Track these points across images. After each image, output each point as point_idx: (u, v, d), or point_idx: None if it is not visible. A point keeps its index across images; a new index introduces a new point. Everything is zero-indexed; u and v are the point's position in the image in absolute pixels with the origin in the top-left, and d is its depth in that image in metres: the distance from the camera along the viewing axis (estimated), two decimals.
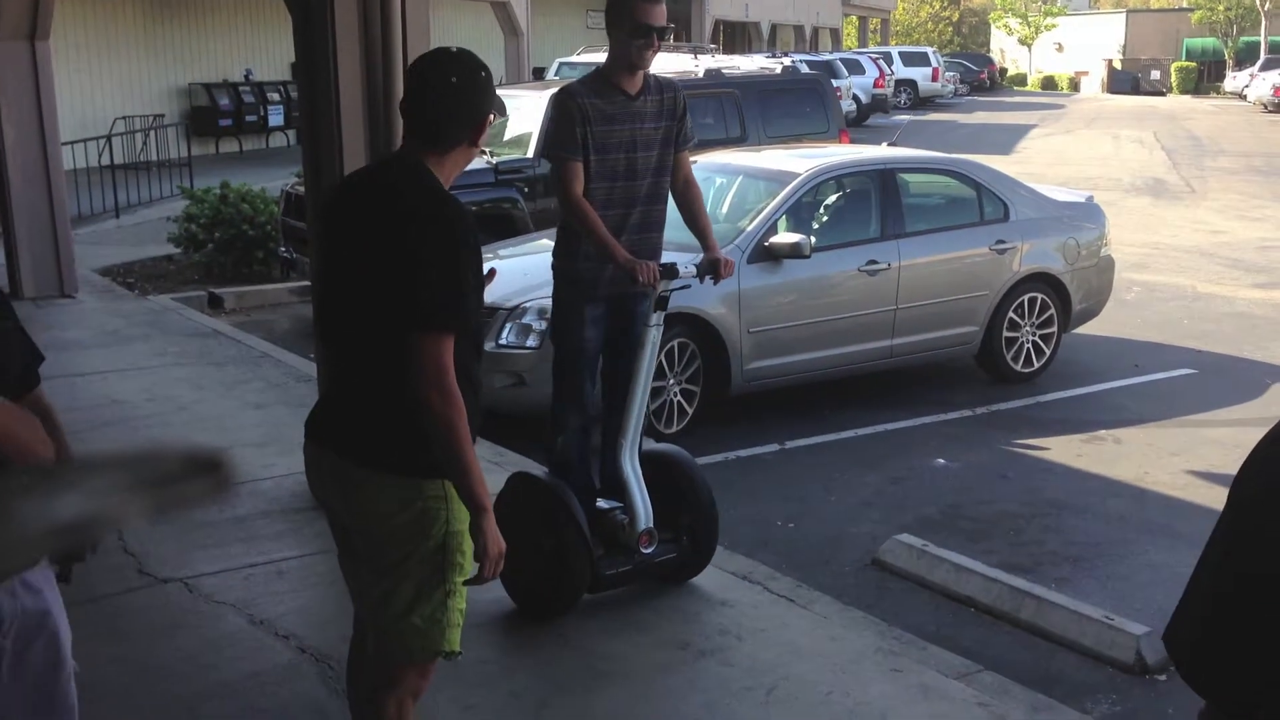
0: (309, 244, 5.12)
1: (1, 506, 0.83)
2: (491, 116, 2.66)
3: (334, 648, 3.81)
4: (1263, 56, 47.50)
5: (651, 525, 4.04)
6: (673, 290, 3.96)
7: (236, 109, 20.77)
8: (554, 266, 4.22)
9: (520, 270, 7.14)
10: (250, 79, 21.34)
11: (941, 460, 6.27)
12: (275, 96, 21.32)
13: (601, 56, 16.45)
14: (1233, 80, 49.25)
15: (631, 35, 3.93)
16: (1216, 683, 1.15)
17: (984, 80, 51.06)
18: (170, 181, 13.77)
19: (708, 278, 4.06)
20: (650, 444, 4.26)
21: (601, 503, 4.16)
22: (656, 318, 3.97)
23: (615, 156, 4.02)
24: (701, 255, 4.09)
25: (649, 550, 4.05)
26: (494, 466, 5.50)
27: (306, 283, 8.82)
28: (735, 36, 41.08)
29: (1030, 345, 7.65)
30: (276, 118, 21.33)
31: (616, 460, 4.04)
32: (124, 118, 17.74)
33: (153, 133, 16.05)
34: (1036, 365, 7.69)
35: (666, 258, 4.07)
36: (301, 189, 8.29)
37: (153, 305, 9.08)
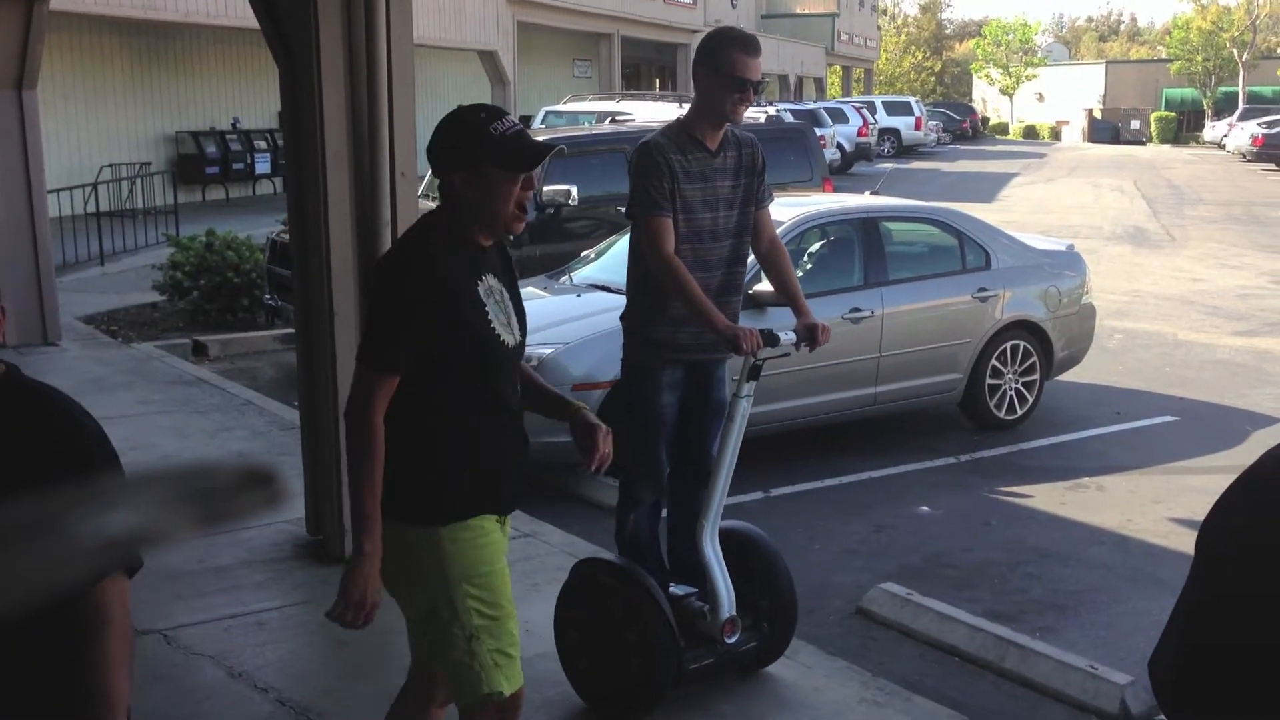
0: (294, 291, 5.12)
1: (52, 520, 0.83)
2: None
3: (314, 700, 3.78)
4: (1241, 106, 48.17)
5: (735, 613, 3.76)
6: (769, 359, 3.69)
7: (223, 157, 20.83)
8: (629, 329, 3.86)
9: None
10: (237, 127, 21.43)
11: (925, 508, 6.27)
12: (262, 144, 21.40)
13: (588, 105, 16.52)
14: (1211, 130, 49.88)
15: (729, 88, 3.70)
16: None
17: (966, 129, 51.63)
18: (156, 229, 13.78)
19: (804, 346, 3.79)
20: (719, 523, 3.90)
21: (674, 588, 3.86)
22: (749, 388, 3.69)
23: (700, 216, 3.79)
24: (796, 321, 3.80)
25: (732, 640, 3.75)
26: None
27: (291, 330, 8.82)
28: None
29: (1013, 392, 7.68)
30: (263, 165, 21.40)
31: (696, 541, 3.74)
32: (110, 165, 17.78)
33: (139, 180, 16.08)
34: (1019, 412, 7.72)
35: None
36: (287, 237, 8.31)
37: (136, 353, 9.05)
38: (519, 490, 2.76)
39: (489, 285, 2.62)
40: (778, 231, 7.02)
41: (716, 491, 3.71)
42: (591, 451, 2.64)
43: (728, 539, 3.83)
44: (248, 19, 5.11)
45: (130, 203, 15.51)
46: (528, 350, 6.11)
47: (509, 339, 2.63)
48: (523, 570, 4.83)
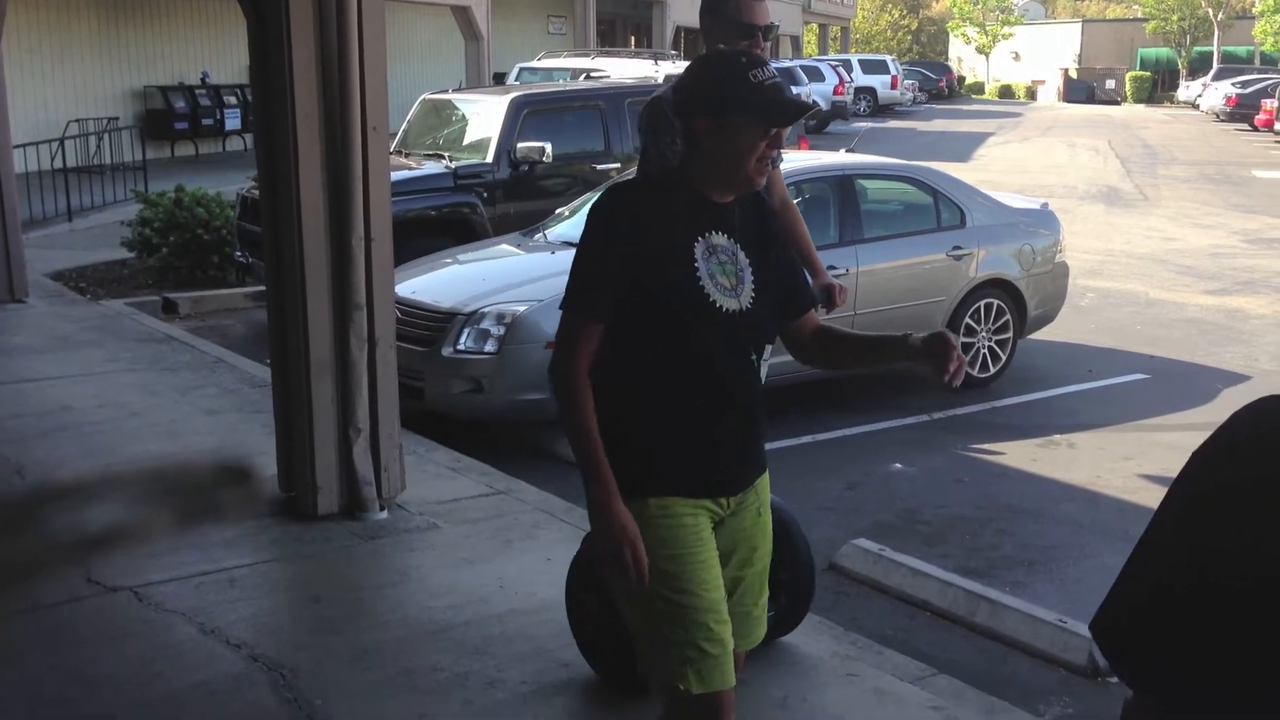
0: (264, 247, 5.07)
1: (33, 517, 0.82)
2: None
3: (287, 656, 3.78)
4: (1215, 66, 48.27)
5: None
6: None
7: (193, 112, 20.56)
8: None
9: (479, 275, 7.14)
10: (207, 82, 21.14)
11: (898, 465, 6.30)
12: (232, 100, 21.13)
13: (563, 62, 16.36)
14: (1186, 90, 49.97)
15: (736, 35, 3.57)
16: (1156, 677, 1.16)
17: (942, 88, 51.50)
18: (124, 185, 13.60)
19: (820, 306, 3.75)
20: None
21: None
22: (768, 351, 3.74)
23: None
24: (812, 281, 3.65)
25: None
26: (452, 474, 5.48)
27: (262, 287, 8.75)
28: (696, 43, 41.19)
29: (986, 350, 7.71)
30: (233, 121, 21.14)
31: None
32: (77, 120, 17.51)
33: (107, 136, 15.85)
34: (993, 370, 7.75)
35: None
36: (258, 192, 8.23)
37: (105, 310, 8.96)
38: (740, 474, 2.50)
39: (712, 243, 2.40)
40: None
41: None
42: (944, 364, 2.35)
43: None
44: None
45: (98, 158, 15.29)
46: (501, 308, 6.21)
47: (727, 303, 2.38)
48: (496, 527, 4.84)
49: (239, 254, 9.57)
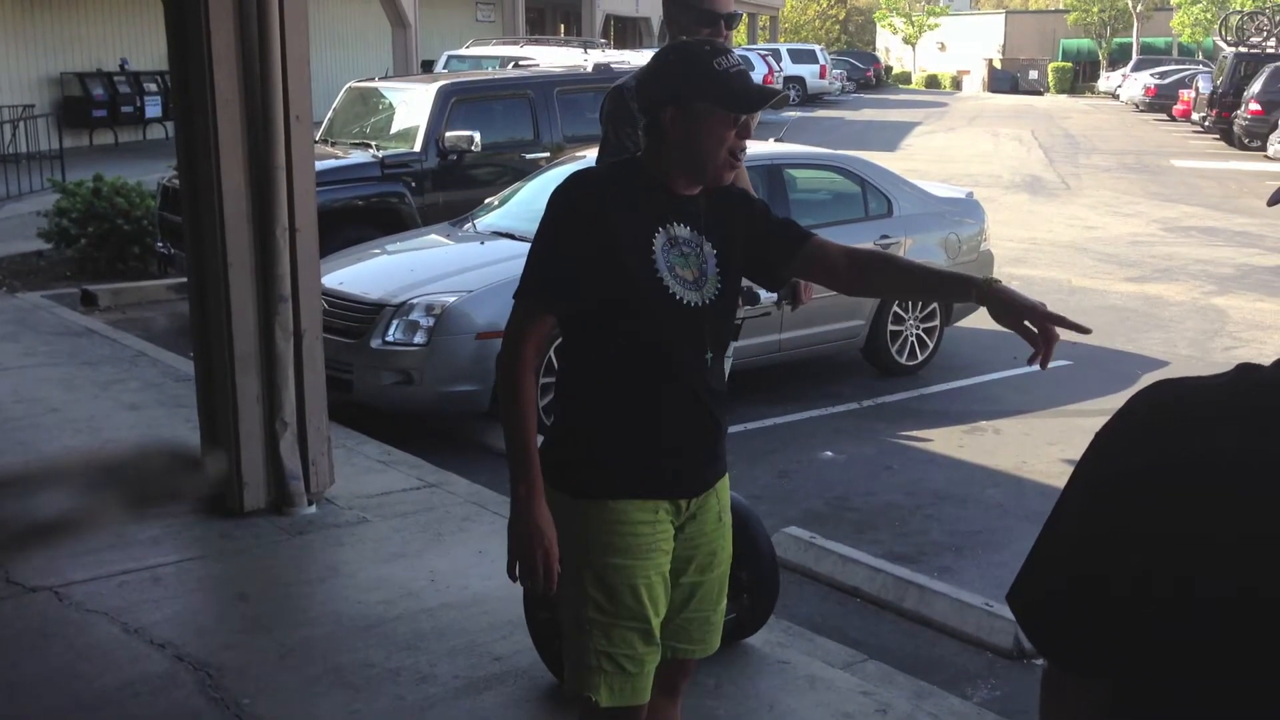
0: (185, 238, 4.97)
1: None
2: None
3: (213, 655, 3.71)
4: (1134, 57, 49.27)
5: None
6: (749, 318, 3.44)
7: (111, 99, 20.07)
8: None
9: (408, 266, 7.06)
10: (126, 68, 20.65)
11: (828, 453, 6.36)
12: (153, 87, 20.66)
13: (491, 50, 16.16)
14: (1106, 80, 51.03)
15: (699, 23, 3.52)
16: (1072, 654, 1.19)
17: (870, 78, 52.00)
18: (40, 174, 13.26)
19: (785, 304, 3.63)
20: None
21: None
22: (729, 347, 3.63)
23: None
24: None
25: None
26: (382, 467, 5.42)
27: (184, 279, 8.59)
28: (626, 32, 41.14)
29: (914, 339, 7.80)
30: (154, 109, 20.68)
31: None
32: None
33: (21, 124, 15.42)
34: (920, 358, 7.85)
35: None
36: (179, 182, 8.07)
37: (21, 303, 8.73)
38: (700, 475, 2.44)
39: (674, 235, 2.34)
40: None
41: None
42: (1044, 350, 2.21)
43: None
44: None
45: (13, 147, 14.87)
46: (430, 298, 6.15)
47: (687, 296, 2.32)
48: (426, 520, 4.80)
49: (160, 245, 9.38)
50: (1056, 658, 1.22)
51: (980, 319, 8.64)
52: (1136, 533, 1.11)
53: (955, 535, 5.30)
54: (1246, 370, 1.15)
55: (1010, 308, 2.27)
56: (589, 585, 2.34)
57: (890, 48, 66.48)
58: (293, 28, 4.59)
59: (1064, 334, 2.31)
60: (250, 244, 4.61)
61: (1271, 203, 1.28)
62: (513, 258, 6.38)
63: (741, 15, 4.11)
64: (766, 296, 3.48)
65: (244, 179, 4.57)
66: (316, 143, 8.96)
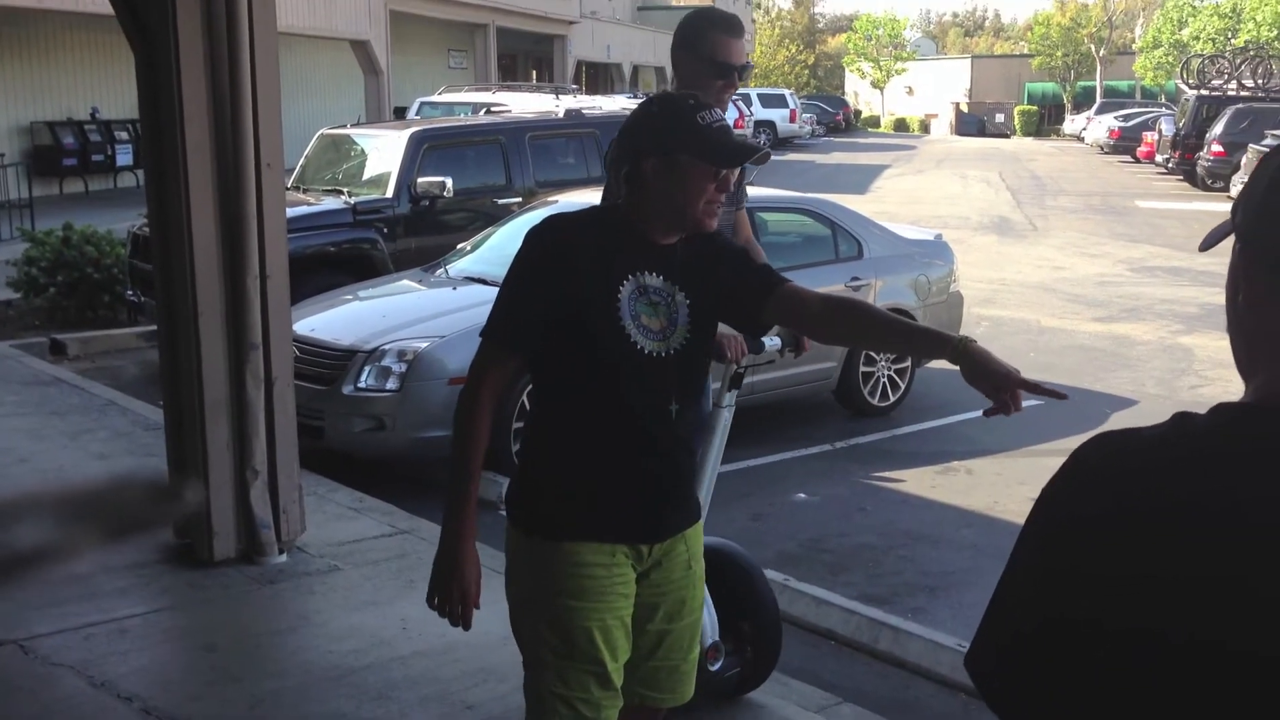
0: (155, 287, 4.95)
1: None
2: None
3: (181, 707, 3.66)
4: (1098, 100, 50.09)
5: (719, 638, 3.49)
6: (753, 366, 3.44)
7: (82, 148, 20.03)
8: None
9: (380, 312, 7.05)
10: (97, 117, 20.63)
11: (802, 495, 6.36)
12: (124, 135, 20.64)
13: (464, 96, 16.29)
14: (1071, 123, 51.78)
15: (712, 75, 3.46)
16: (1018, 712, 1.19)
17: (840, 122, 52.59)
18: (10, 223, 13.20)
19: (789, 351, 3.57)
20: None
21: None
22: (730, 398, 3.46)
23: None
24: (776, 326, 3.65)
25: (716, 667, 3.48)
26: (354, 514, 5.39)
27: (154, 327, 8.55)
28: (597, 77, 41.49)
29: (886, 380, 7.84)
30: (125, 157, 20.64)
31: None
32: None
33: None
34: (892, 399, 7.88)
35: None
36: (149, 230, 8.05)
37: None
38: (661, 520, 2.41)
39: (644, 284, 2.34)
40: None
41: None
42: (1004, 406, 2.24)
43: (706, 559, 3.57)
44: (105, 4, 4.91)
45: None
46: (402, 344, 6.14)
47: (649, 346, 2.32)
48: (398, 568, 4.77)
49: (130, 293, 9.33)
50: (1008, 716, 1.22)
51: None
52: (1086, 576, 1.13)
53: (928, 576, 5.30)
54: (1183, 419, 1.18)
55: (983, 371, 2.28)
56: (544, 626, 2.36)
57: (859, 92, 67.33)
58: (264, 75, 4.61)
59: (1033, 373, 2.35)
60: (221, 291, 4.59)
61: (1204, 248, 1.31)
62: (485, 303, 6.30)
63: (753, 66, 4.04)
64: (771, 344, 3.44)
65: (215, 226, 4.57)
66: (288, 190, 8.98)
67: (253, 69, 4.55)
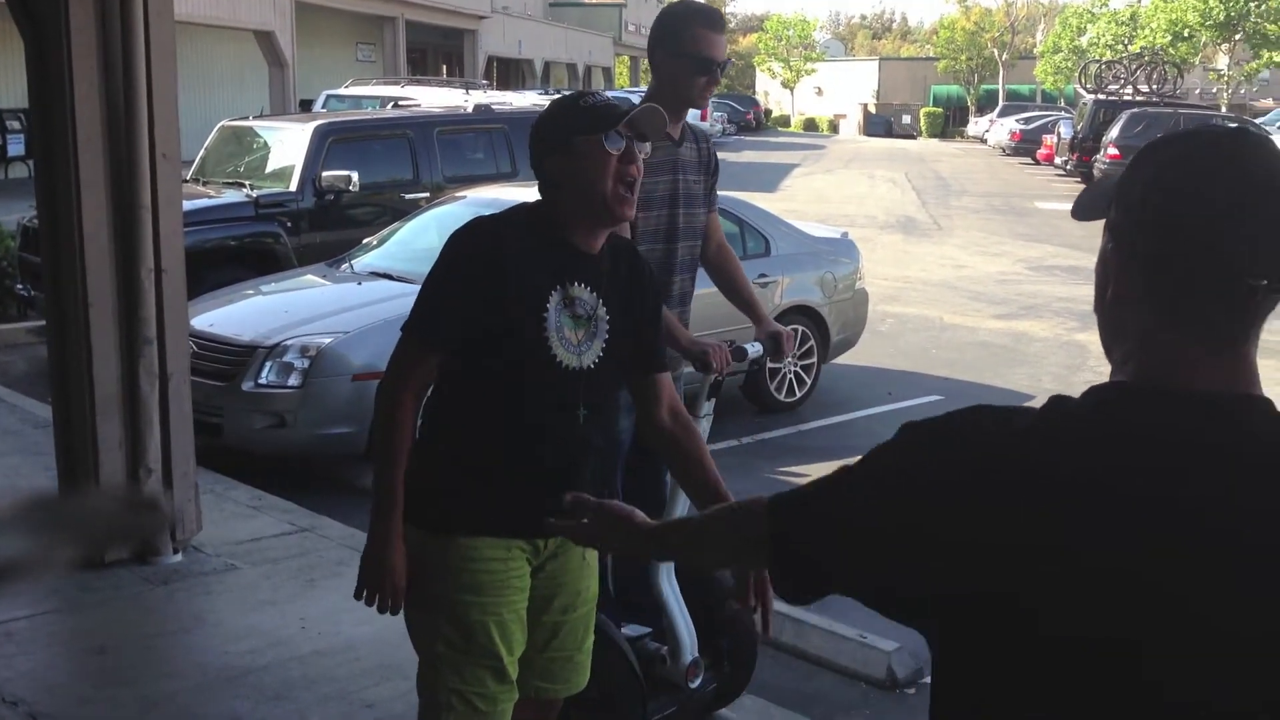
0: (44, 280, 4.81)
1: None
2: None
3: (69, 711, 3.56)
4: (1000, 104, 51.21)
5: (698, 655, 3.42)
6: (734, 374, 3.31)
7: None
8: None
9: (282, 307, 6.93)
10: None
11: None
12: (15, 125, 19.99)
13: (371, 90, 16.09)
14: (975, 125, 52.87)
15: (694, 71, 3.33)
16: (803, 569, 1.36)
17: (750, 121, 53.01)
18: None
19: (765, 357, 3.54)
20: None
21: (626, 628, 3.46)
22: (709, 406, 3.39)
23: (657, 214, 3.37)
24: (756, 330, 3.60)
25: (696, 684, 3.41)
26: (252, 512, 5.28)
27: (44, 322, 8.29)
28: (509, 73, 41.28)
29: (792, 375, 7.92)
30: (16, 147, 19.97)
31: (651, 577, 3.32)
32: None
33: None
34: (799, 395, 7.97)
35: None
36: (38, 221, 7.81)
37: None
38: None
39: (572, 295, 2.33)
40: None
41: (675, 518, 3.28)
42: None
43: (680, 573, 3.43)
44: None
45: None
46: (305, 340, 6.04)
47: (566, 359, 2.31)
48: (299, 566, 4.69)
49: (20, 287, 9.05)
50: (788, 589, 1.37)
51: (854, 357, 8.84)
52: (931, 536, 1.18)
53: None
54: (1059, 400, 1.23)
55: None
56: (441, 621, 2.36)
57: (770, 91, 67.94)
58: (159, 64, 4.49)
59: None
60: (113, 285, 4.47)
61: (1079, 217, 1.36)
62: (391, 298, 6.32)
63: (732, 61, 3.96)
64: (753, 350, 3.43)
65: (107, 218, 4.44)
66: (187, 182, 8.78)
67: (148, 58, 4.43)
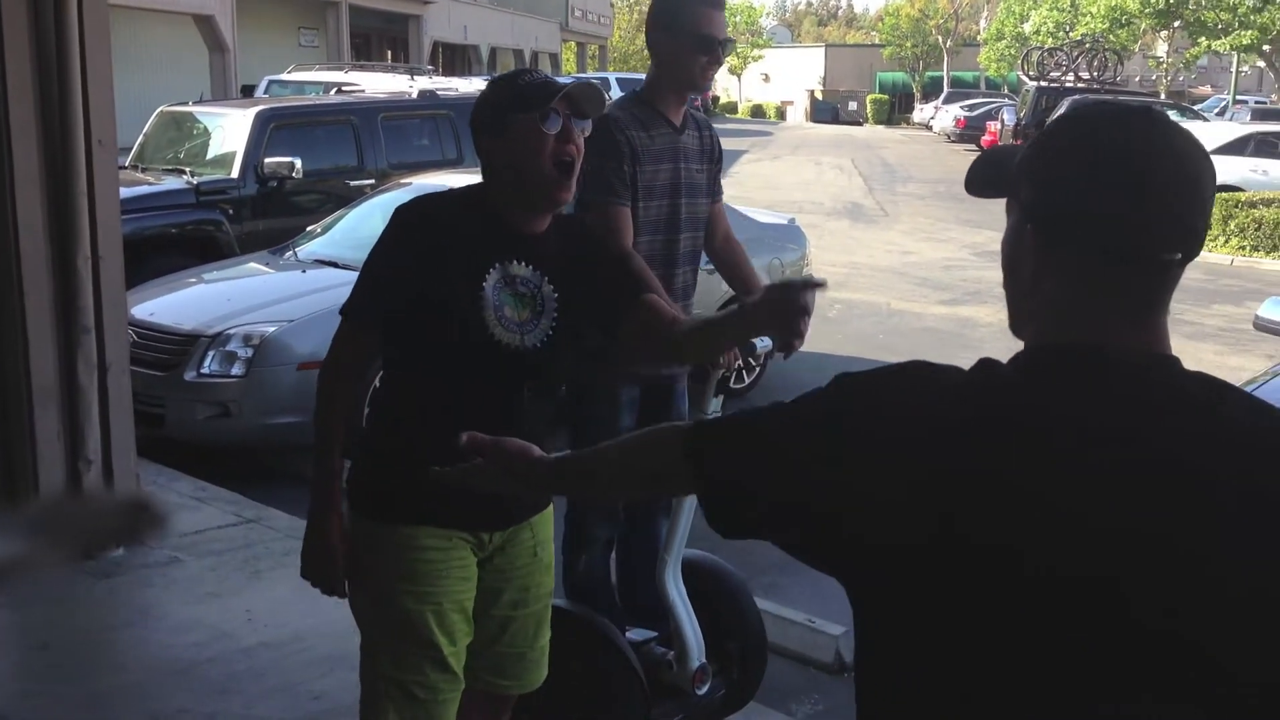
0: None
1: None
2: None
3: (11, 705, 3.51)
4: (945, 90, 51.65)
5: (705, 660, 3.33)
6: (740, 371, 3.28)
7: None
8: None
9: (224, 295, 6.84)
10: None
11: None
12: None
13: (315, 75, 15.88)
14: (920, 112, 53.27)
15: (695, 50, 3.21)
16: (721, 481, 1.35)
17: (698, 107, 52.85)
18: None
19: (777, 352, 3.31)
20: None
21: (631, 633, 3.38)
22: (717, 403, 3.29)
23: (658, 204, 3.27)
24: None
25: (703, 690, 3.32)
26: (196, 503, 5.22)
27: None
28: (455, 59, 40.97)
29: (740, 362, 7.94)
30: None
31: (657, 580, 3.24)
32: None
33: None
34: (747, 381, 8.00)
35: None
36: None
37: None
38: (503, 509, 2.39)
39: (512, 274, 2.28)
40: None
41: (680, 522, 3.24)
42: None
43: (688, 575, 3.35)
44: None
45: None
46: (248, 328, 5.96)
47: (508, 339, 2.26)
48: (244, 557, 4.65)
49: None
50: (715, 512, 1.37)
51: (806, 344, 8.89)
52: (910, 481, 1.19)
53: (779, 552, 5.37)
54: (989, 361, 1.26)
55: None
56: (378, 610, 2.35)
57: (717, 78, 68.00)
58: (94, 47, 4.41)
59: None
60: (49, 273, 4.39)
61: (974, 193, 1.40)
62: (336, 286, 6.24)
63: (734, 41, 3.88)
64: (762, 345, 3.34)
65: (41, 206, 4.36)
66: (126, 168, 8.64)
67: (82, 41, 4.35)
